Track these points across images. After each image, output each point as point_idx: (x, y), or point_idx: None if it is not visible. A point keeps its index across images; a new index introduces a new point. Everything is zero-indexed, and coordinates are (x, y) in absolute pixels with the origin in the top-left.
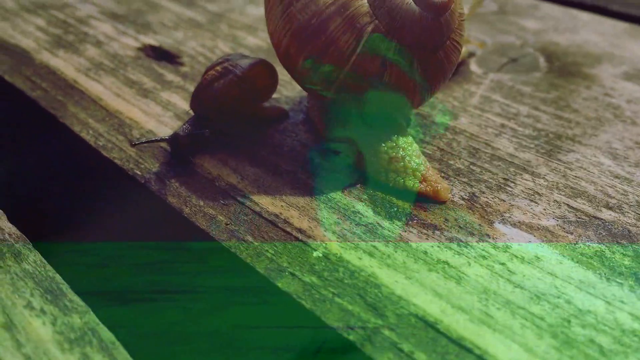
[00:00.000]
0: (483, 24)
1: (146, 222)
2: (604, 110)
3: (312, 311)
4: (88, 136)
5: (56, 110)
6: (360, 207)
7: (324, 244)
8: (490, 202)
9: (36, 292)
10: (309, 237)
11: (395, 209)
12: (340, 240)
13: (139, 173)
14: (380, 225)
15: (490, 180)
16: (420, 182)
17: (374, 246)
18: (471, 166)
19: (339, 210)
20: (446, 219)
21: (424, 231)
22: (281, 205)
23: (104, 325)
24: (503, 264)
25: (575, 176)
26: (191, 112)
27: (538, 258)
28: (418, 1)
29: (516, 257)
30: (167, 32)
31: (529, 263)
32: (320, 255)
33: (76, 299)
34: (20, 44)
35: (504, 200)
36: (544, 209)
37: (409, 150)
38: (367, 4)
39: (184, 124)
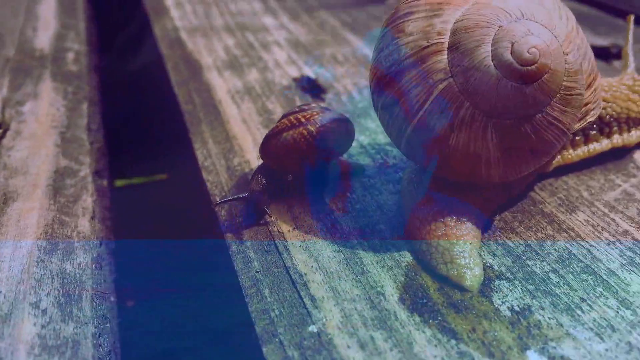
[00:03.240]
0: None
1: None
2: None
3: None
4: (200, 155)
5: (192, 125)
6: (389, 288)
7: (325, 319)
8: (543, 323)
9: (53, 292)
10: (316, 307)
11: (425, 301)
12: (343, 320)
13: (217, 199)
14: (396, 316)
15: (562, 295)
16: (447, 262)
17: (372, 337)
18: (550, 273)
19: (365, 286)
20: (474, 329)
21: (438, 336)
22: (312, 266)
23: (90, 341)
24: None
25: None
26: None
27: None
28: (499, 65)
29: None
30: (332, 66)
31: None
32: (315, 331)
33: (88, 307)
34: (200, 61)
35: (562, 326)
36: (606, 350)
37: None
38: (446, 60)
39: (258, 175)
